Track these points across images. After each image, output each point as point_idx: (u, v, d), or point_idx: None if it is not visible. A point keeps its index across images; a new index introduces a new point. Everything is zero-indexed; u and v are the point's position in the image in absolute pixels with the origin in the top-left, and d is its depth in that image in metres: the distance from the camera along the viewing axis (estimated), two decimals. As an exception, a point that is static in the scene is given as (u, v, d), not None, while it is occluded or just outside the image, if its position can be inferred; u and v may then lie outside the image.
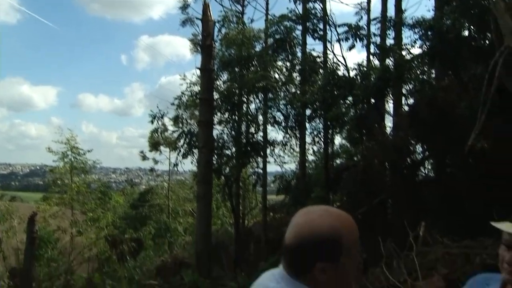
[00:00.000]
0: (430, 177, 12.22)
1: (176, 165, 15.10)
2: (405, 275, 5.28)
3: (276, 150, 15.12)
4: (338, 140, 17.08)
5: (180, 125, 15.13)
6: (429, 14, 12.80)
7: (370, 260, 9.45)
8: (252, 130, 14.63)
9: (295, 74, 14.72)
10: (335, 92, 12.70)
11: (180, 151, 14.58)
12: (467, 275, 1.84)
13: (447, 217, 10.27)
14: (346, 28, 13.19)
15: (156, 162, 23.15)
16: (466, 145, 5.70)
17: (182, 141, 14.57)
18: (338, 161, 17.17)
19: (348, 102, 13.45)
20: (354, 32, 13.05)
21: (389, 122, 13.79)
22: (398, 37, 12.21)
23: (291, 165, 16.84)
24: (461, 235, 6.34)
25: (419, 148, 11.46)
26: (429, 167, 12.46)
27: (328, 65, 14.25)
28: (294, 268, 1.26)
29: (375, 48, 13.07)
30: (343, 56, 23.93)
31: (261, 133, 14.86)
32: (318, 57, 14.49)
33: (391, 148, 10.55)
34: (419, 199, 12.93)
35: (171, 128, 16.23)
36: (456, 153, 9.26)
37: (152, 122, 15.52)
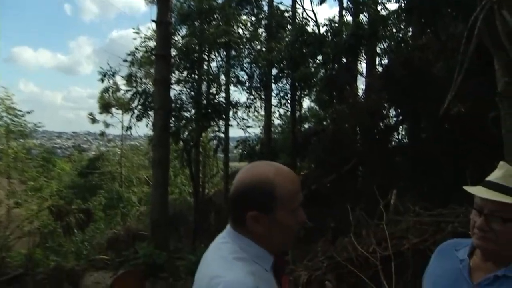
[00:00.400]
0: (404, 142, 12.47)
1: (129, 128, 14.71)
2: (374, 244, 5.35)
3: (239, 113, 14.97)
4: (306, 102, 17.10)
5: (134, 84, 14.65)
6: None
7: (338, 229, 9.64)
8: (213, 90, 14.35)
9: (260, 30, 14.42)
10: (304, 50, 12.51)
11: (133, 113, 14.19)
12: (437, 244, 1.88)
13: (420, 184, 10.57)
14: (317, -21, 12.88)
15: (107, 125, 22.48)
16: (441, 108, 5.71)
17: (136, 102, 14.16)
18: (306, 126, 17.26)
19: (318, 61, 13.33)
20: (326, -17, 12.76)
21: (361, 84, 13.85)
22: (373, -10, 12.04)
23: (256, 130, 16.79)
24: (434, 203, 6.48)
25: (392, 112, 11.60)
26: (403, 132, 12.70)
27: (296, 20, 13.99)
28: (233, 218, 1.39)
29: (348, 2, 12.88)
30: (313, 11, 23.68)
31: (223, 94, 14.66)
32: (286, 11, 14.18)
33: (363, 112, 10.59)
34: (392, 166, 13.23)
35: (123, 87, 15.67)
36: (432, 117, 9.39)
37: (102, 80, 14.86)
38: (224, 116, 14.34)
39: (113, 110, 19.08)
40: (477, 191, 1.58)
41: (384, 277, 4.93)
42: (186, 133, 14.08)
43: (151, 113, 13.50)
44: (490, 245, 1.53)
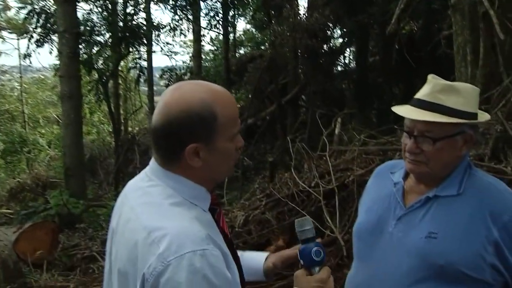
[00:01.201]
0: (350, 67, 12.65)
1: (27, 56, 13.64)
2: (317, 178, 5.46)
3: (163, 36, 14.33)
4: (241, 24, 16.68)
5: (29, 0, 13.36)
6: None
7: (278, 165, 9.83)
8: (131, 10, 13.49)
9: None
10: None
11: (31, 37, 13.05)
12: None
13: (367, 111, 10.90)
14: None
15: (-2, 53, 20.65)
16: (389, 25, 5.74)
17: (34, 23, 12.98)
18: (241, 51, 17.00)
19: (254, -27, 12.85)
20: None
21: (303, 1, 13.61)
22: None
23: (184, 57, 16.33)
24: (382, 131, 6.69)
25: (337, 33, 11.60)
26: (350, 57, 12.85)
27: None
28: (163, 155, 1.34)
29: None
30: None
31: (142, 14, 13.94)
32: None
33: (305, 33, 10.46)
34: (337, 93, 13.48)
35: (15, 4, 14.28)
36: (380, 38, 9.49)
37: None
38: (145, 41, 13.65)
39: (4, 34, 17.54)
40: (405, 111, 1.64)
41: (328, 212, 5.08)
42: (101, 61, 13.32)
43: (55, 37, 12.57)
44: (422, 168, 1.62)
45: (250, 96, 12.67)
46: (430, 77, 1.67)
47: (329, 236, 4.97)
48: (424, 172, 1.64)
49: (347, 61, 13.50)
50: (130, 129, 18.40)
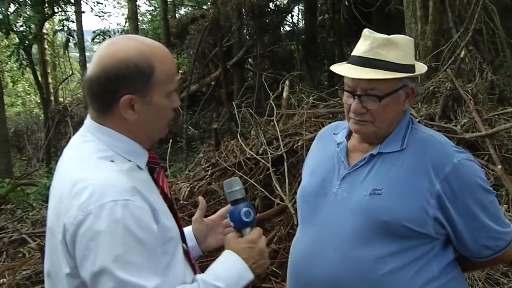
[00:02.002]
0: (299, 27, 12.66)
1: None
2: (264, 145, 5.50)
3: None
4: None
5: None
6: None
7: (224, 132, 9.81)
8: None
9: None
10: None
11: None
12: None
13: (317, 73, 11.00)
14: None
15: None
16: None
17: None
18: (182, 11, 16.63)
19: None
20: None
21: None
22: None
23: (118, 19, 15.81)
24: (333, 93, 6.77)
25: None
26: (298, 15, 12.84)
27: None
28: (97, 107, 1.37)
29: None
30: None
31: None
32: None
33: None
34: (286, 55, 13.50)
35: None
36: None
37: None
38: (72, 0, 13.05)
39: None
40: (346, 71, 1.65)
41: (277, 180, 5.14)
42: (20, 22, 12.62)
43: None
44: (369, 127, 1.67)
45: (192, 60, 12.46)
46: (366, 31, 1.68)
47: (279, 205, 5.05)
48: (371, 132, 1.68)
49: (295, 20, 13.51)
50: (61, 99, 17.79)
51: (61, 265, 1.30)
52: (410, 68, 1.65)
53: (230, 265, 1.45)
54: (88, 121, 1.41)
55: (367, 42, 1.65)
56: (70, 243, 1.25)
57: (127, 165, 1.36)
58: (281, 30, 12.30)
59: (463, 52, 5.35)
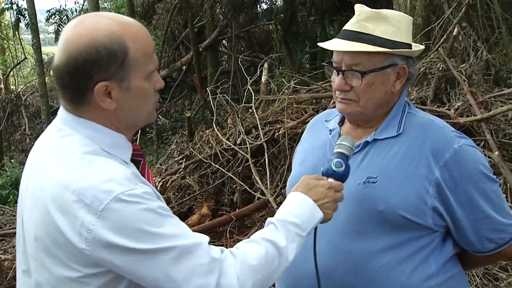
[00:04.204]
0: (277, 5, 12.61)
1: None
2: (243, 134, 5.49)
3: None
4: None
5: None
6: None
7: (198, 121, 9.76)
8: None
9: None
10: None
11: None
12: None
13: (297, 55, 11.00)
14: None
15: None
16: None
17: None
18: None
19: None
20: None
21: None
22: None
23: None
24: (315, 77, 6.79)
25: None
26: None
27: None
28: (71, 98, 1.34)
29: None
30: None
31: None
32: None
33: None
34: (263, 36, 13.46)
35: None
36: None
37: None
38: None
39: None
40: (331, 44, 1.69)
41: (257, 172, 5.14)
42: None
43: None
44: (353, 106, 1.68)
45: (161, 43, 12.34)
46: (358, 6, 1.70)
47: (260, 199, 5.06)
48: (356, 112, 1.69)
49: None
50: (13, 87, 17.48)
51: (61, 272, 1.30)
52: (401, 45, 1.65)
53: (300, 203, 1.48)
54: (64, 113, 1.38)
55: (355, 16, 1.67)
56: (93, 250, 1.24)
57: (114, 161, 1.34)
58: (258, 8, 12.23)
59: (456, 30, 5.38)
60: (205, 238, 1.33)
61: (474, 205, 1.62)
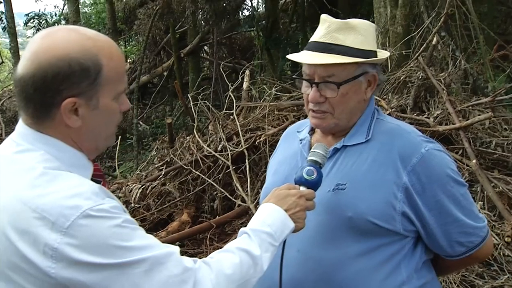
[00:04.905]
0: (259, 11, 12.66)
1: None
2: (224, 141, 5.50)
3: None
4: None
5: None
6: None
7: (179, 127, 9.73)
8: None
9: None
10: None
11: None
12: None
13: (279, 62, 11.04)
14: None
15: None
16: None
17: None
18: (129, -7, 16.34)
19: None
20: None
21: None
22: None
23: (55, 1, 15.44)
24: (296, 84, 6.81)
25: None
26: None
27: None
28: (34, 112, 1.28)
29: None
30: None
31: None
32: None
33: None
34: (245, 41, 13.48)
35: None
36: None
37: None
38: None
39: None
40: (302, 57, 1.69)
41: (238, 179, 5.15)
42: None
43: None
44: (329, 120, 1.70)
45: (142, 48, 12.30)
46: (324, 16, 1.72)
47: (240, 206, 5.07)
48: (331, 125, 1.71)
49: (254, 4, 13.51)
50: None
51: None
52: (370, 53, 1.68)
53: (272, 213, 1.49)
54: (22, 127, 1.32)
55: (324, 26, 1.68)
56: (59, 270, 1.18)
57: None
58: (240, 15, 12.28)
59: (435, 39, 5.48)
60: (176, 249, 1.31)
61: (443, 209, 1.64)
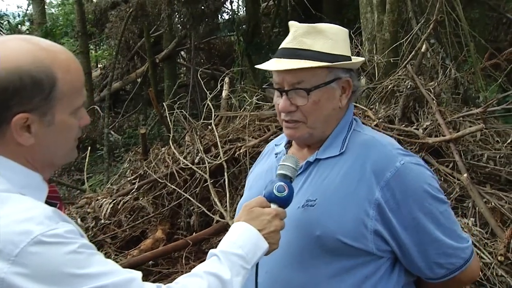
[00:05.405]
0: (239, 15, 12.72)
1: None
2: (201, 152, 5.49)
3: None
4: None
5: None
6: None
7: (154, 137, 9.69)
8: None
9: None
10: None
11: None
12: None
13: (260, 68, 11.06)
14: None
15: None
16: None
17: None
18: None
19: None
20: None
21: None
22: None
23: (19, 1, 15.37)
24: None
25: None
26: (238, 1, 12.89)
27: None
28: None
29: None
30: None
31: None
32: None
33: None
34: (224, 46, 13.51)
35: None
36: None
37: None
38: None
39: None
40: (269, 65, 1.69)
41: (216, 193, 5.14)
42: None
43: None
44: (302, 129, 1.69)
45: (114, 53, 12.26)
46: (292, 23, 1.73)
47: (219, 222, 5.05)
48: (305, 135, 1.70)
49: (235, 7, 13.58)
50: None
51: None
52: (342, 58, 1.67)
53: (244, 233, 1.46)
54: None
55: (291, 32, 1.70)
56: None
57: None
58: (219, 18, 12.32)
59: (424, 46, 5.54)
60: (138, 274, 1.28)
61: (419, 227, 1.60)
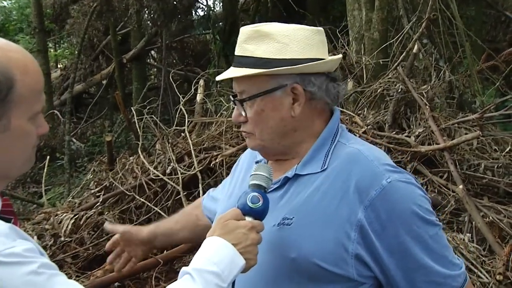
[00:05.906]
0: (215, 11, 12.72)
1: None
2: (174, 162, 5.48)
3: None
4: None
5: None
6: None
7: (120, 145, 9.64)
8: None
9: None
10: None
11: None
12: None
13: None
14: None
15: None
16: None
17: None
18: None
19: None
20: None
21: None
22: None
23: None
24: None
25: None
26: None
27: None
28: None
29: None
30: None
31: None
32: None
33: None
34: (199, 46, 13.49)
35: None
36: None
37: None
38: None
39: None
40: (224, 73, 1.74)
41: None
42: None
43: None
44: (253, 140, 1.73)
45: (76, 52, 12.20)
46: (241, 28, 1.73)
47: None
48: (258, 146, 1.73)
49: (210, 3, 13.60)
50: None
51: None
52: (293, 62, 1.63)
53: (219, 249, 1.46)
54: None
55: (240, 39, 1.71)
56: None
57: None
58: (193, 15, 12.33)
59: (416, 47, 5.59)
60: None
61: (406, 252, 1.57)
